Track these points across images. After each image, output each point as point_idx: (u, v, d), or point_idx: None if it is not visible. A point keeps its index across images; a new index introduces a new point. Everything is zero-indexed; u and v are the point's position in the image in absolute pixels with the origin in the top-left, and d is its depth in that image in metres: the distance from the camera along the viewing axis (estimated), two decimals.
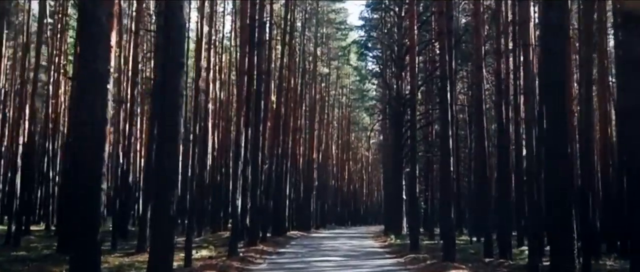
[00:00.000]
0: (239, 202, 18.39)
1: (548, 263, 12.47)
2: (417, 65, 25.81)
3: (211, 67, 33.71)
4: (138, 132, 36.02)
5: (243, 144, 19.92)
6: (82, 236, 8.11)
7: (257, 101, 20.72)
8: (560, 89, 9.89)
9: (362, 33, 43.85)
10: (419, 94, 31.23)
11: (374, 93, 58.98)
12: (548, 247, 14.62)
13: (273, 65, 31.15)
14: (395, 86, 33.55)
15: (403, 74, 32.88)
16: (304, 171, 41.64)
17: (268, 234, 28.74)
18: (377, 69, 42.68)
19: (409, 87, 29.27)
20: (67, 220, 16.89)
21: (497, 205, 20.97)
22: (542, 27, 10.76)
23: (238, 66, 20.80)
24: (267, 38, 23.75)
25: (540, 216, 16.08)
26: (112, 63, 13.15)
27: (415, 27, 24.07)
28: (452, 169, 16.47)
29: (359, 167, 73.47)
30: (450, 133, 16.47)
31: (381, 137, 60.04)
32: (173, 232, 9.97)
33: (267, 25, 23.93)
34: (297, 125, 37.76)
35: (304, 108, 41.22)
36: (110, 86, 12.52)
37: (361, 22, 44.80)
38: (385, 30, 36.85)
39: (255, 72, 19.69)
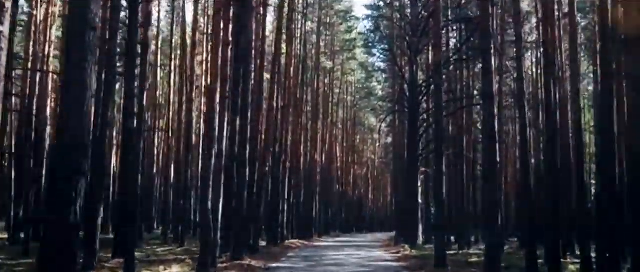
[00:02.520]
0: (215, 205, 14.12)
1: None
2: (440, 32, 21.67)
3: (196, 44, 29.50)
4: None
5: (226, 134, 15.95)
6: None
7: (245, 79, 16.68)
8: None
9: (369, 25, 40.43)
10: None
11: (381, 93, 55.30)
12: None
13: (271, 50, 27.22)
14: (408, 73, 29.26)
15: (418, 58, 28.78)
16: (306, 173, 37.66)
17: (263, 243, 25.25)
18: (383, 65, 39.00)
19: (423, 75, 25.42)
20: None
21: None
22: None
23: (213, 27, 16.46)
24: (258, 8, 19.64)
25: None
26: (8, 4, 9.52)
27: None
28: (498, 159, 12.43)
29: (364, 171, 69.45)
30: (495, 111, 12.49)
31: (389, 139, 56.30)
32: (73, 250, 5.97)
33: None
34: (298, 122, 33.75)
35: (305, 103, 37.20)
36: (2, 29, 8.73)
37: (368, 12, 41.37)
38: (397, 9, 32.88)
39: (238, 43, 15.68)
